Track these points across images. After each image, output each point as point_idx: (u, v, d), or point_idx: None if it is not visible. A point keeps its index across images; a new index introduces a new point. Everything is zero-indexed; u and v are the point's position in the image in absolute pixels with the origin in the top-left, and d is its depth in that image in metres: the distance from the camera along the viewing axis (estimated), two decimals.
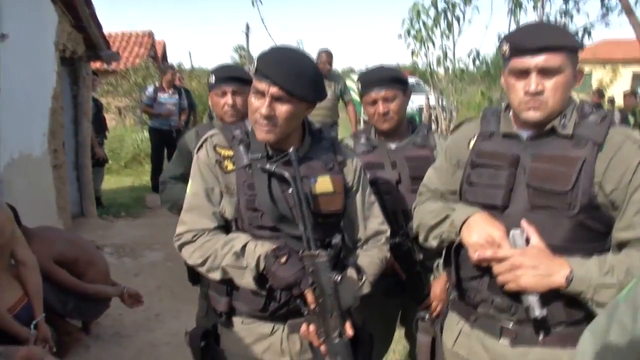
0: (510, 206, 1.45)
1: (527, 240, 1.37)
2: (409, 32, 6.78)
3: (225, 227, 1.62)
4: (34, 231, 3.08)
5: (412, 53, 7.01)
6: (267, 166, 1.52)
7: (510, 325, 1.45)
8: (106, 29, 5.94)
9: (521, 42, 1.38)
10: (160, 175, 7.54)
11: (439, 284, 2.08)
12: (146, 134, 10.19)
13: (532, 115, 1.39)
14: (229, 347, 1.67)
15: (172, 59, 32.53)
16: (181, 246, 1.61)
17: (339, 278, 1.44)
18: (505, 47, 1.42)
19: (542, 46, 1.35)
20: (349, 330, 1.48)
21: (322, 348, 1.49)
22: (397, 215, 2.07)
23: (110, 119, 11.66)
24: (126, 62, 15.17)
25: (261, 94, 1.46)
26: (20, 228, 2.82)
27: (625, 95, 8.85)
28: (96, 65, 7.42)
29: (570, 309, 1.37)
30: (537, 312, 1.33)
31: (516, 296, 1.39)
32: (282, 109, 1.47)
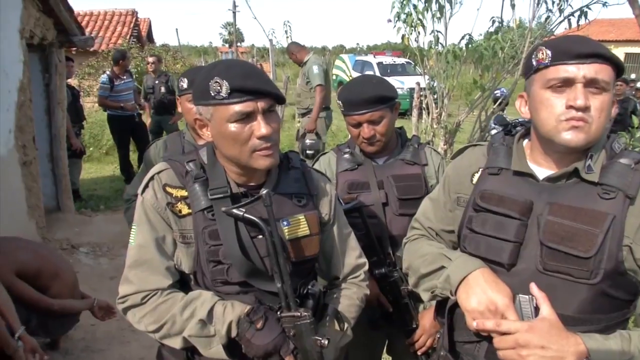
0: (518, 263, 1.21)
1: (536, 308, 1.14)
2: (398, 16, 6.50)
3: (183, 280, 1.37)
4: None
5: (403, 38, 6.75)
6: (235, 210, 1.26)
7: None
8: (87, 8, 5.58)
9: (569, 46, 1.13)
10: (128, 163, 7.29)
11: (428, 316, 1.88)
12: None
13: (575, 138, 1.13)
14: None
15: (159, 38, 31.82)
16: (126, 310, 1.33)
17: (326, 342, 1.23)
18: (545, 54, 1.15)
19: (594, 52, 1.11)
20: None
21: None
22: (384, 242, 1.86)
23: (93, 102, 11.27)
24: (108, 42, 14.68)
25: (247, 115, 1.21)
26: None
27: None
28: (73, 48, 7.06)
29: None
30: None
31: None
32: (276, 123, 1.27)
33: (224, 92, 1.20)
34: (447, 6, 6.42)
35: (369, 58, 17.50)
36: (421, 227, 1.51)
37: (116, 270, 4.51)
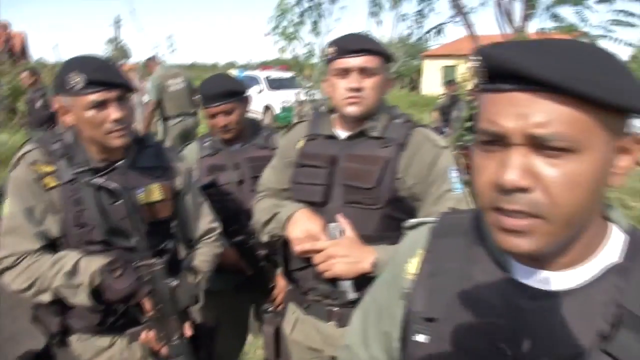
0: (329, 202, 1.60)
1: (343, 232, 1.53)
2: (275, 29, 6.92)
3: (52, 246, 1.57)
4: None
5: (280, 50, 7.17)
6: (94, 180, 1.52)
7: (336, 308, 1.61)
8: None
9: (345, 44, 1.54)
10: None
11: (283, 276, 2.21)
12: (2, 136, 9.38)
13: (353, 110, 1.55)
14: None
15: (37, 53, 30.06)
16: (1, 273, 1.52)
17: (176, 284, 1.51)
18: (332, 49, 1.57)
19: (362, 48, 1.52)
20: (188, 331, 1.57)
21: (164, 351, 1.55)
22: (240, 214, 2.17)
23: None
24: None
25: (101, 104, 1.47)
26: None
27: (446, 85, 9.52)
28: None
29: None
30: (351, 295, 1.49)
31: (336, 282, 1.54)
32: (126, 108, 1.52)
33: (81, 84, 1.45)
34: (322, 21, 6.96)
35: (257, 73, 17.82)
36: (263, 189, 1.86)
37: None
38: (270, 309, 1.97)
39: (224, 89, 2.16)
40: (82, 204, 1.52)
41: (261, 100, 15.04)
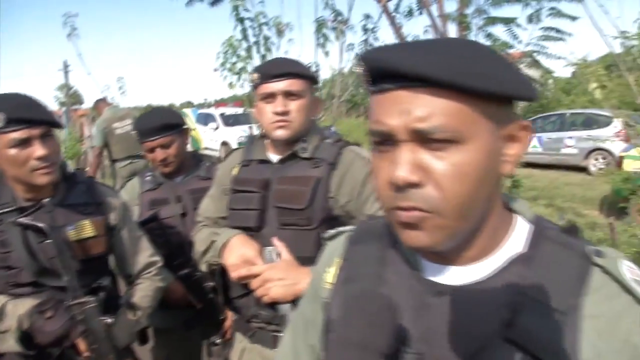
0: (264, 226, 1.59)
1: (280, 255, 1.51)
2: (223, 65, 6.97)
3: None
4: None
5: (230, 85, 7.22)
6: (20, 219, 1.47)
7: (280, 334, 1.57)
8: None
9: (268, 69, 1.56)
10: None
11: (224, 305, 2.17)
12: None
13: (281, 133, 1.55)
14: None
15: None
16: None
17: (111, 321, 1.46)
18: (256, 75, 1.57)
19: (286, 72, 1.53)
20: None
21: None
22: (184, 247, 2.12)
23: None
24: None
25: (24, 142, 1.43)
26: None
27: None
28: None
29: None
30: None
31: (275, 307, 1.51)
32: (51, 145, 1.48)
33: (1, 122, 1.42)
34: (270, 55, 7.04)
35: (211, 110, 17.83)
36: (202, 219, 1.84)
37: None
38: (218, 341, 1.92)
39: (159, 122, 2.14)
40: (8, 246, 1.47)
41: (218, 137, 15.02)
